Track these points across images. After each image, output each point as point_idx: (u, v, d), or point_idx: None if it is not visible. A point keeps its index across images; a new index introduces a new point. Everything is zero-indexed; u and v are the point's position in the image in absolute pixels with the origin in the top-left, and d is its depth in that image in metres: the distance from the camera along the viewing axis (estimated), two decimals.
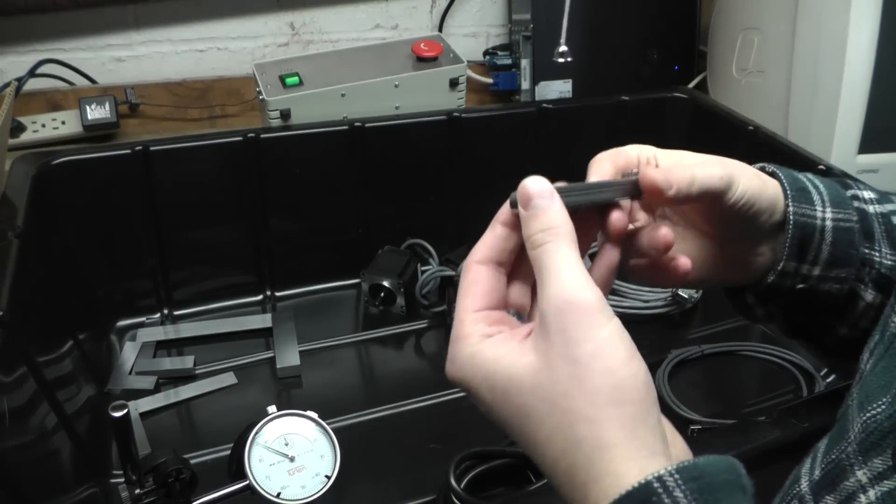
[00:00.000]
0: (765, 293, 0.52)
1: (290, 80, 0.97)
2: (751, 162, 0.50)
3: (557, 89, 1.17)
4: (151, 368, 0.85)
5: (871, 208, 0.52)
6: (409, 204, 1.01)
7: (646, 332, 0.91)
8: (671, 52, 1.22)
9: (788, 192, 0.49)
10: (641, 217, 0.47)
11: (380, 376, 0.88)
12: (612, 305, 0.37)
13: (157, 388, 0.83)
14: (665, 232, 0.45)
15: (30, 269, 0.71)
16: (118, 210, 0.89)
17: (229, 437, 0.67)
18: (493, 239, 0.41)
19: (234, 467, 0.64)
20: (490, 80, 1.22)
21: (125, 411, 0.55)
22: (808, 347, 0.59)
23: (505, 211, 0.41)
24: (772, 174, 0.50)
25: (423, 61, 1.02)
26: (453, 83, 1.02)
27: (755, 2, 1.08)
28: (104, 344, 0.89)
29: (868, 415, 0.37)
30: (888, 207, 0.53)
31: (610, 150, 0.47)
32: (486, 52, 1.26)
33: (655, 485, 0.32)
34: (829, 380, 0.84)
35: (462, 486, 0.65)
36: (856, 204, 0.52)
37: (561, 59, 0.91)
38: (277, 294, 0.99)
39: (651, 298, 0.94)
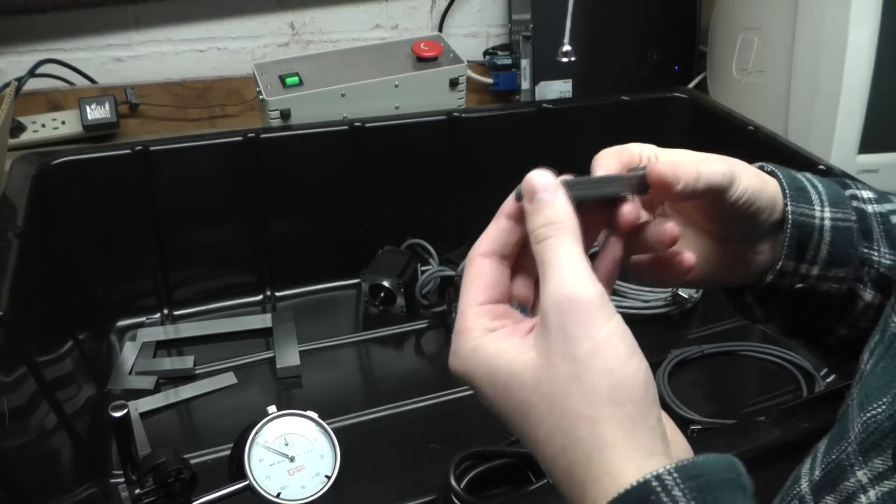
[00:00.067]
0: (764, 293, 0.52)
1: (290, 80, 0.97)
2: (751, 162, 0.50)
3: (557, 89, 1.17)
4: (151, 368, 0.85)
5: (869, 208, 0.52)
6: (409, 204, 1.01)
7: (646, 332, 0.91)
8: (671, 52, 1.22)
9: (787, 191, 0.49)
10: (643, 214, 0.47)
11: (380, 376, 0.88)
12: None
13: (157, 388, 0.83)
14: (672, 226, 0.45)
15: (30, 269, 0.71)
16: (118, 210, 0.89)
17: (229, 437, 0.67)
18: (497, 231, 0.41)
19: (234, 467, 0.64)
20: (490, 80, 1.22)
21: (125, 411, 0.55)
22: (808, 347, 0.59)
23: (510, 203, 0.41)
24: (770, 173, 0.50)
25: (423, 61, 1.02)
26: (453, 83, 1.02)
27: (755, 2, 1.08)
28: (104, 344, 0.89)
29: (868, 415, 0.37)
30: (887, 207, 0.53)
31: (613, 147, 0.47)
32: (486, 52, 1.26)
33: (654, 483, 0.32)
34: (829, 380, 0.84)
35: (462, 486, 0.65)
36: (854, 203, 0.52)
37: (564, 59, 0.91)
38: (277, 294, 0.99)
39: (651, 298, 0.94)
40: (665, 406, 0.74)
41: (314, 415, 0.66)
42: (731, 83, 1.12)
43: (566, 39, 0.90)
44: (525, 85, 1.18)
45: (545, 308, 0.36)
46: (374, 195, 0.99)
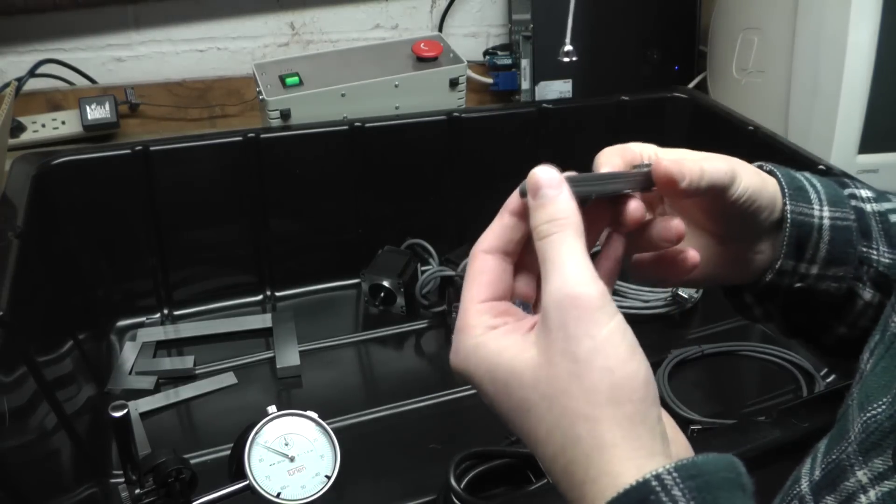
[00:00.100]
0: (763, 292, 0.52)
1: (290, 80, 0.97)
2: (750, 162, 0.50)
3: (557, 89, 1.17)
4: (151, 368, 0.85)
5: (868, 207, 0.52)
6: (409, 204, 1.01)
7: (646, 332, 0.90)
8: (671, 52, 1.22)
9: (786, 190, 0.49)
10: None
11: (380, 376, 0.88)
12: None
13: (157, 388, 0.83)
14: (678, 223, 0.45)
15: (30, 269, 0.71)
16: (118, 210, 0.89)
17: (229, 437, 0.67)
18: (500, 228, 0.41)
19: (234, 467, 0.64)
20: (490, 80, 1.22)
21: (125, 411, 0.55)
22: (807, 346, 0.59)
23: (514, 199, 0.41)
24: (770, 172, 0.51)
25: (423, 61, 1.02)
26: (453, 83, 1.02)
27: (755, 2, 1.08)
28: (104, 344, 0.89)
29: (868, 415, 0.37)
30: (885, 206, 0.53)
31: (615, 146, 0.47)
32: (486, 52, 1.26)
33: (654, 483, 0.32)
34: (829, 380, 0.84)
35: (462, 486, 0.65)
36: (853, 203, 0.52)
37: (566, 59, 0.91)
38: (277, 294, 0.99)
39: (651, 298, 0.94)
40: (665, 406, 0.73)
41: (314, 415, 0.66)
42: (731, 83, 1.12)
43: (568, 39, 0.90)
44: (525, 85, 1.18)
45: (546, 306, 0.36)
46: (374, 195, 0.99)
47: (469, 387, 0.40)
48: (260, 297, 0.98)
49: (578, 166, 0.45)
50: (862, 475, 0.36)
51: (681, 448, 0.37)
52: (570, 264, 0.36)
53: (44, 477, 0.62)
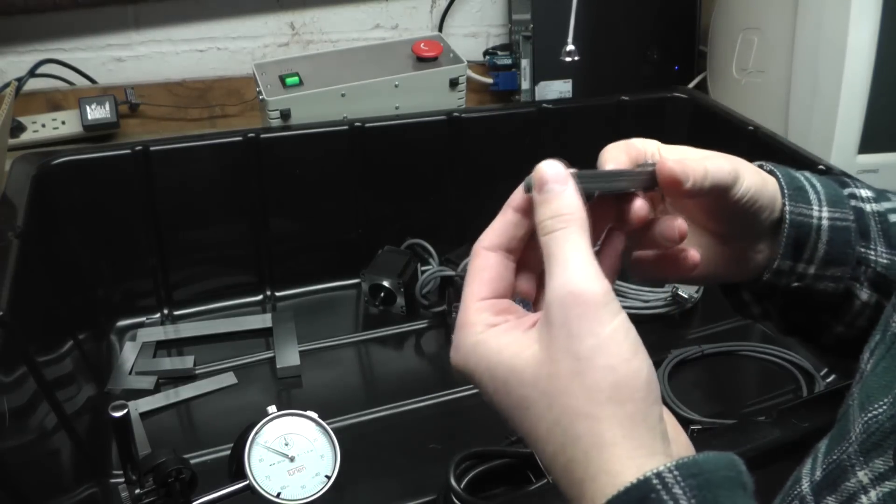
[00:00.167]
0: (761, 291, 0.53)
1: (290, 80, 0.97)
2: (750, 162, 0.50)
3: (557, 89, 1.17)
4: (151, 368, 0.85)
5: (867, 207, 0.52)
6: (409, 204, 1.01)
7: (646, 332, 0.90)
8: (671, 52, 1.22)
9: (786, 190, 0.49)
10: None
11: (380, 376, 0.88)
12: None
13: (157, 388, 0.83)
14: (681, 222, 0.45)
15: (30, 269, 0.71)
16: (118, 210, 0.89)
17: (229, 437, 0.67)
18: (503, 224, 0.41)
19: (234, 467, 0.64)
20: (490, 80, 1.22)
21: (125, 411, 0.55)
22: (805, 345, 0.59)
23: (517, 195, 0.40)
24: (770, 172, 0.51)
25: (423, 61, 1.02)
26: (453, 83, 1.02)
27: (755, 2, 1.08)
28: (104, 344, 0.89)
29: (869, 415, 0.37)
30: (885, 206, 0.53)
31: (620, 142, 0.47)
32: (486, 52, 1.26)
33: (654, 481, 0.32)
34: (829, 380, 0.84)
35: (462, 486, 0.65)
36: (853, 202, 0.52)
37: (568, 59, 0.91)
38: (277, 294, 0.99)
39: (651, 298, 0.94)
40: (665, 406, 0.74)
41: (314, 415, 0.66)
42: (731, 83, 1.12)
43: (569, 39, 0.90)
44: (525, 85, 1.18)
45: (549, 302, 0.36)
46: (374, 195, 0.99)
47: (469, 387, 0.40)
48: (260, 297, 0.98)
49: (578, 166, 0.45)
50: (863, 475, 0.36)
51: (682, 447, 0.37)
52: (574, 261, 0.36)
53: (44, 477, 0.62)
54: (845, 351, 0.54)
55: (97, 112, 1.04)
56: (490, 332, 0.38)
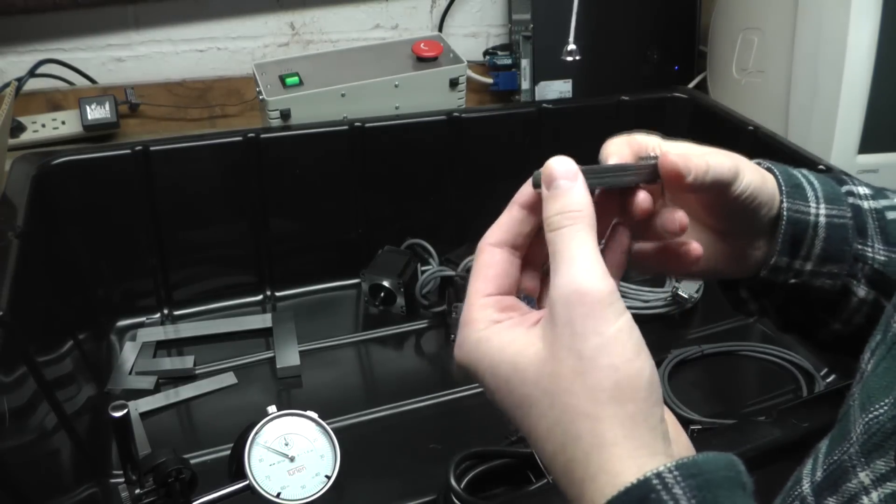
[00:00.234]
0: (758, 288, 0.53)
1: (290, 80, 0.97)
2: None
3: (557, 89, 1.17)
4: (151, 368, 0.85)
5: (865, 204, 0.52)
6: (409, 204, 1.01)
7: (646, 332, 0.90)
8: (671, 52, 1.22)
9: (783, 187, 0.50)
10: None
11: (380, 376, 0.88)
12: None
13: (157, 388, 0.83)
14: (682, 214, 0.45)
15: (30, 269, 0.71)
16: (118, 210, 0.89)
17: (229, 437, 0.67)
18: (509, 221, 0.41)
19: (234, 467, 0.64)
20: (490, 80, 1.22)
21: (125, 411, 0.55)
22: (803, 342, 0.59)
23: (524, 192, 0.40)
24: (768, 170, 0.51)
25: (423, 61, 1.02)
26: (453, 83, 1.02)
27: (755, 2, 1.08)
28: (104, 344, 0.89)
29: (870, 416, 0.37)
30: (882, 203, 0.53)
31: (622, 136, 0.47)
32: (486, 52, 1.26)
33: (654, 481, 0.32)
34: (829, 380, 0.84)
35: (462, 486, 0.65)
36: (850, 200, 0.52)
37: (569, 58, 0.91)
38: (277, 294, 0.99)
39: (651, 298, 0.94)
40: (665, 406, 0.74)
41: (314, 415, 0.66)
42: (731, 83, 1.12)
43: (571, 38, 0.90)
44: (525, 85, 1.18)
45: (554, 300, 0.36)
46: (374, 195, 0.98)
47: (469, 387, 0.40)
48: (260, 297, 0.98)
49: (580, 164, 0.45)
50: (864, 476, 0.35)
51: (683, 448, 0.37)
52: (580, 259, 0.36)
53: (44, 477, 0.62)
54: (843, 348, 0.55)
55: (97, 112, 1.04)
56: (494, 329, 0.38)
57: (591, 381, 0.34)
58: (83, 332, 0.83)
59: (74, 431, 0.69)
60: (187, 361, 0.86)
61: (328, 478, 0.63)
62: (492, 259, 0.40)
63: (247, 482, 0.61)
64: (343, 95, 0.97)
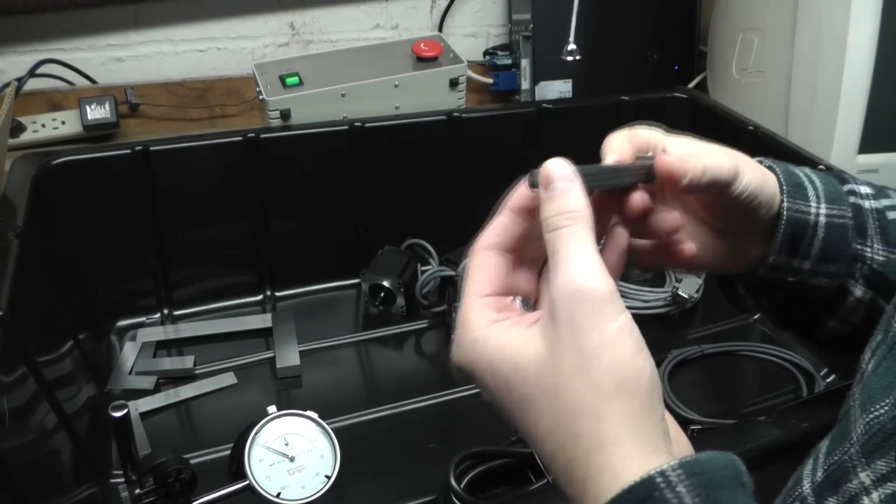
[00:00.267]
0: (755, 285, 0.53)
1: (290, 80, 0.97)
2: None
3: (557, 89, 1.17)
4: (151, 368, 0.85)
5: (866, 203, 0.52)
6: (409, 204, 1.01)
7: (646, 332, 0.90)
8: (671, 52, 1.22)
9: (784, 187, 0.50)
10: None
11: (380, 376, 0.88)
12: None
13: (157, 388, 0.83)
14: (676, 215, 0.45)
15: (30, 269, 0.71)
16: (118, 210, 0.89)
17: (229, 437, 0.67)
18: (501, 224, 0.41)
19: (234, 467, 0.64)
20: (490, 80, 1.22)
21: (125, 411, 0.55)
22: (800, 339, 0.59)
23: (516, 195, 0.40)
24: (769, 168, 0.51)
25: (423, 61, 1.02)
26: (453, 83, 1.02)
27: (755, 2, 1.08)
28: (104, 344, 0.89)
29: (871, 416, 0.36)
30: (884, 202, 0.53)
31: (624, 131, 0.47)
32: (486, 52, 1.26)
33: (658, 479, 0.32)
34: (829, 380, 0.84)
35: (462, 486, 0.65)
36: (852, 199, 0.52)
37: (569, 58, 0.91)
38: (277, 294, 0.99)
39: (651, 298, 0.94)
40: (665, 406, 0.74)
41: (314, 415, 0.66)
42: (731, 83, 1.12)
43: (571, 38, 0.90)
44: (525, 85, 1.18)
45: (555, 299, 0.36)
46: (374, 195, 0.98)
47: (469, 387, 0.40)
48: (260, 297, 0.98)
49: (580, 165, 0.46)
50: (865, 477, 0.35)
51: (682, 448, 0.37)
52: (580, 258, 0.36)
53: (44, 477, 0.62)
54: (841, 346, 0.55)
55: (97, 112, 1.04)
56: (492, 329, 0.38)
57: (592, 378, 0.34)
58: (83, 332, 0.83)
59: (74, 431, 0.69)
60: (187, 361, 0.86)
61: (328, 478, 0.63)
62: (485, 261, 0.40)
63: (247, 482, 0.61)
64: (343, 95, 0.97)
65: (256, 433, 0.63)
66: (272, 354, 0.88)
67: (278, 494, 0.61)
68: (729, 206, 0.48)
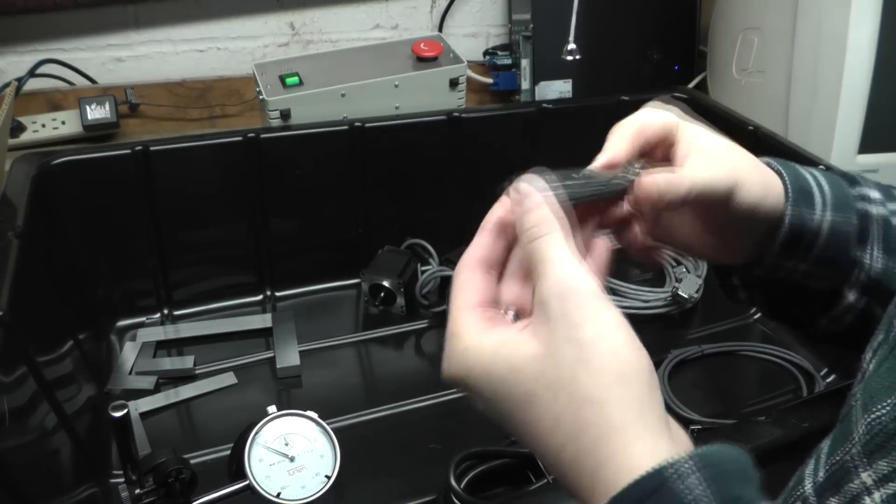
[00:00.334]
0: (750, 279, 0.53)
1: (290, 80, 0.97)
2: None
3: (557, 89, 1.17)
4: (151, 368, 0.85)
5: (874, 209, 0.52)
6: (409, 204, 1.01)
7: (646, 332, 0.90)
8: (671, 52, 1.22)
9: (790, 194, 0.50)
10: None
11: (380, 376, 0.88)
12: None
13: (157, 388, 0.83)
14: (643, 240, 0.48)
15: (30, 269, 0.71)
16: (118, 210, 0.89)
17: (229, 437, 0.67)
18: (482, 243, 0.42)
19: (234, 467, 0.64)
20: (490, 80, 1.22)
21: (125, 411, 0.55)
22: (792, 332, 0.60)
23: (493, 213, 0.42)
24: (777, 172, 0.51)
25: (423, 61, 1.02)
26: (453, 83, 1.02)
27: (755, 2, 1.08)
28: (104, 344, 0.89)
29: (872, 416, 0.36)
30: (891, 207, 0.53)
31: (633, 121, 0.47)
32: (486, 52, 1.26)
33: (669, 471, 0.32)
34: (829, 380, 0.84)
35: (462, 486, 0.65)
36: (860, 204, 0.52)
37: (569, 58, 0.91)
38: (277, 294, 0.99)
39: (651, 298, 0.94)
40: (665, 406, 0.74)
41: (314, 415, 0.66)
42: (731, 83, 1.12)
43: (571, 38, 0.90)
44: (525, 85, 1.18)
45: (545, 298, 0.36)
46: (374, 195, 0.98)
47: (463, 391, 0.40)
48: (260, 297, 0.98)
49: (578, 166, 0.46)
50: (866, 477, 0.35)
51: (683, 441, 0.37)
52: (564, 261, 0.37)
53: (44, 477, 0.62)
54: (834, 341, 0.55)
55: (97, 112, 1.04)
56: (483, 336, 0.39)
57: (594, 365, 0.35)
58: (83, 332, 0.83)
59: (74, 431, 0.69)
60: (187, 361, 0.86)
61: (328, 478, 0.63)
62: (471, 276, 0.42)
63: (247, 482, 0.61)
64: (343, 95, 0.97)
65: (256, 433, 0.63)
66: (272, 354, 0.88)
67: (278, 494, 0.61)
68: (726, 216, 0.48)
